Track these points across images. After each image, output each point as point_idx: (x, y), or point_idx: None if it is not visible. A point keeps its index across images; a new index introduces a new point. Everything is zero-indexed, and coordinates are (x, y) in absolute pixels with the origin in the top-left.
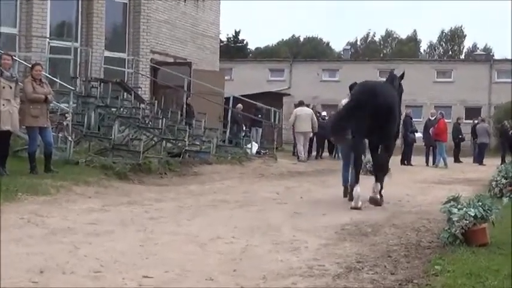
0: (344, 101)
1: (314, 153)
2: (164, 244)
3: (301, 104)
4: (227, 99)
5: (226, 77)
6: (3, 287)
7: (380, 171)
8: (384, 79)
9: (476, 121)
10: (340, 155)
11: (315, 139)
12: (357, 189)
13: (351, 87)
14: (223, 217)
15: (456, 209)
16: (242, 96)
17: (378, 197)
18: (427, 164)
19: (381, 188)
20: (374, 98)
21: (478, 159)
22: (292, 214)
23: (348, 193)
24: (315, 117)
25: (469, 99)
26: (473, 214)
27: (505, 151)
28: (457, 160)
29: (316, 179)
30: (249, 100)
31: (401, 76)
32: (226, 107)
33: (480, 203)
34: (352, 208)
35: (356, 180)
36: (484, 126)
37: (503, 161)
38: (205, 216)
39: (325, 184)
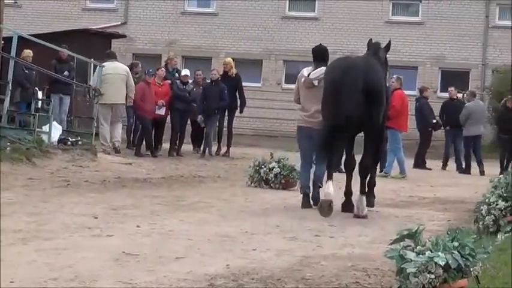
0: (307, 72)
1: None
2: None
3: (110, 56)
4: (7, 40)
5: (7, 1)
6: None
7: (364, 174)
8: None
9: (459, 94)
10: (300, 152)
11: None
12: (330, 187)
13: (316, 52)
14: None
15: (414, 253)
16: (35, 36)
17: (365, 213)
18: None
19: (369, 194)
20: (352, 76)
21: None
22: (119, 256)
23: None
24: (131, 79)
25: (449, 56)
26: (443, 262)
27: (506, 151)
28: (420, 164)
29: (168, 192)
30: (48, 44)
31: (387, 47)
32: (6, 56)
33: (457, 243)
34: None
35: (329, 177)
36: (480, 106)
37: (503, 169)
38: None
39: (183, 203)
